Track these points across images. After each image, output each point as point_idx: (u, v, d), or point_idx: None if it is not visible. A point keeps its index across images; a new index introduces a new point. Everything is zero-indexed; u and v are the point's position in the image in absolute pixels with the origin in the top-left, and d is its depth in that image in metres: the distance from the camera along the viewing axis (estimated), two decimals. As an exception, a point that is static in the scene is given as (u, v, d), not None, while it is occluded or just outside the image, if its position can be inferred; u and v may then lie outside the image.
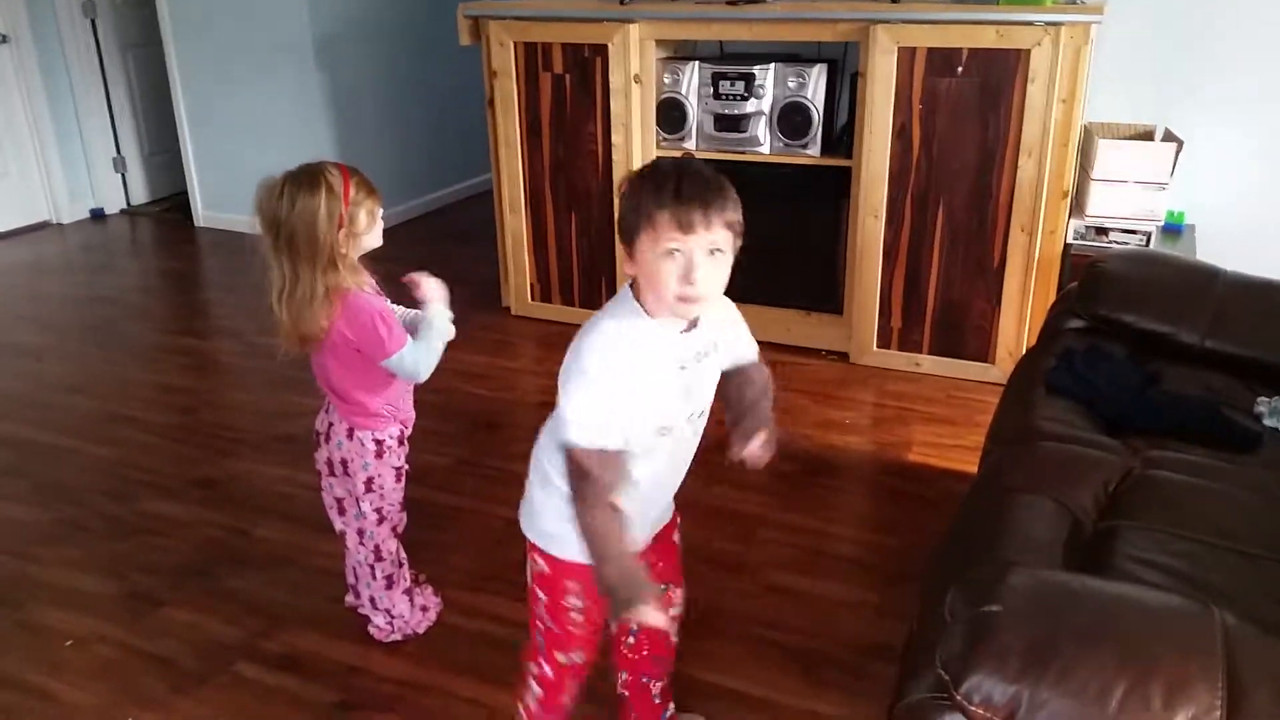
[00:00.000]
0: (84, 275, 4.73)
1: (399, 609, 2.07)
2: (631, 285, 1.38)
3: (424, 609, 2.12)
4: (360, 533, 2.01)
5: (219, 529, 2.54)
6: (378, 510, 1.98)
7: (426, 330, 1.89)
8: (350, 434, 1.92)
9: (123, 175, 5.61)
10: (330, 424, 1.94)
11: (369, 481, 1.95)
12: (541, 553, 1.52)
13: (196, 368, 3.61)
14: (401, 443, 1.98)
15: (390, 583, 2.06)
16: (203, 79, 5.01)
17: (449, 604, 2.19)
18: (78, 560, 2.42)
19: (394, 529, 2.04)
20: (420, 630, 2.11)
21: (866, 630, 2.13)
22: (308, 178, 1.75)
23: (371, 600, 2.07)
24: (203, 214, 5.29)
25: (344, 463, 1.94)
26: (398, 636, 2.09)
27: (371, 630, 2.09)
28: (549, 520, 1.49)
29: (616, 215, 1.34)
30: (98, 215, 5.51)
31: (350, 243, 1.79)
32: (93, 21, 5.28)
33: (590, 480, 1.34)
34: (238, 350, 3.70)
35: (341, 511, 2.01)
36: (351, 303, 1.80)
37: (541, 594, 1.55)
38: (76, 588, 2.31)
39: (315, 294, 1.76)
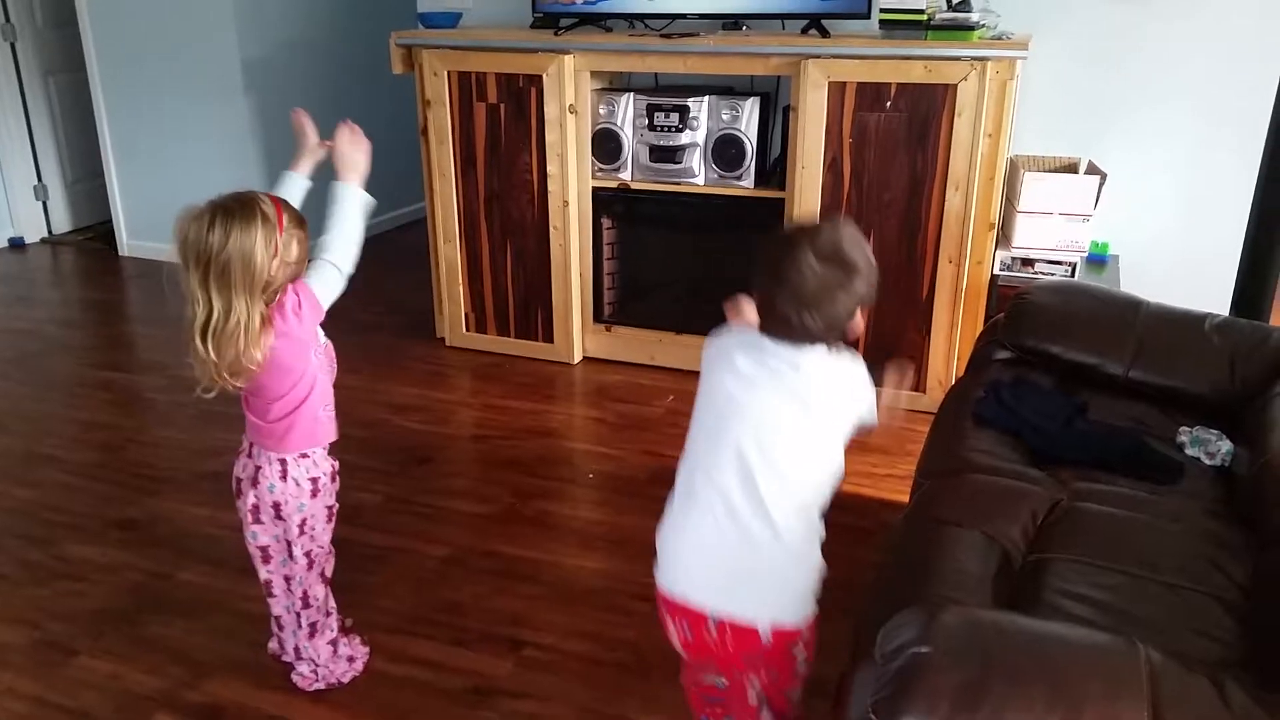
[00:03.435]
0: (1, 307, 4.57)
1: (323, 657, 2.02)
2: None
3: (350, 659, 2.06)
4: (287, 579, 1.96)
5: (140, 573, 2.46)
6: (308, 554, 1.93)
7: (340, 211, 1.85)
8: (284, 474, 1.86)
9: (44, 203, 5.45)
10: (258, 467, 1.88)
11: (302, 524, 1.90)
12: (805, 626, 1.56)
13: (119, 403, 3.50)
14: (334, 479, 1.93)
15: (314, 630, 2.00)
16: (128, 105, 4.90)
17: (376, 648, 2.14)
18: (-12, 609, 2.32)
19: (322, 573, 1.99)
20: (345, 680, 2.05)
21: (803, 665, 2.12)
22: (240, 208, 1.70)
23: (296, 649, 2.02)
24: (127, 243, 5.17)
25: (276, 506, 1.88)
26: (321, 685, 2.03)
27: (295, 679, 2.03)
28: (809, 581, 1.54)
29: (867, 294, 1.48)
30: (17, 244, 5.34)
31: (282, 271, 1.74)
32: (13, 46, 5.14)
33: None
34: (163, 385, 3.60)
35: (267, 559, 1.95)
36: (289, 298, 1.76)
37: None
38: (-14, 638, 2.22)
39: (251, 325, 1.69)
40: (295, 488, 1.87)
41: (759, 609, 1.50)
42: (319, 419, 1.87)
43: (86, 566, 2.49)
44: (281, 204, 1.77)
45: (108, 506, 2.77)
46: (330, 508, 1.94)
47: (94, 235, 5.48)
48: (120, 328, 4.47)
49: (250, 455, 1.90)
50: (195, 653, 2.16)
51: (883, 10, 3.04)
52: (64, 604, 2.34)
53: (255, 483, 1.88)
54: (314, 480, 1.88)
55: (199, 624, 2.26)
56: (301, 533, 1.90)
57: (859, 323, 1.51)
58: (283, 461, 1.86)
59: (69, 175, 5.52)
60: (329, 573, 2.01)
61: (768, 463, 1.48)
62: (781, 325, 1.46)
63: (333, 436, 1.92)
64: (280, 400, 1.82)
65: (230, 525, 2.53)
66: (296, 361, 1.80)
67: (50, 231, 5.51)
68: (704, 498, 1.51)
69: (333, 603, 2.05)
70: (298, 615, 1.99)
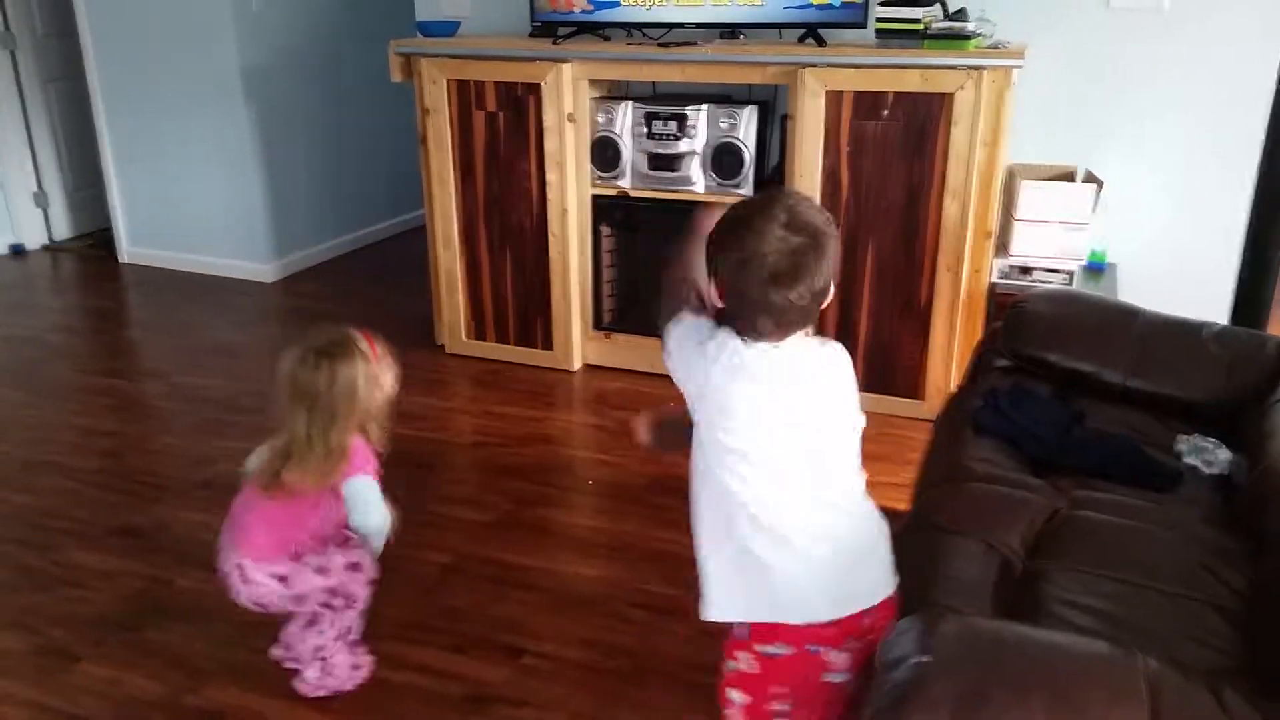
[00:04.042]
0: (2, 314, 4.58)
1: (338, 661, 2.03)
2: None
3: (355, 666, 2.07)
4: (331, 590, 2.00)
5: (141, 579, 2.47)
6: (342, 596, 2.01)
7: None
8: (244, 579, 1.94)
9: (44, 210, 5.46)
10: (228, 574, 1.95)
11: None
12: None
13: (120, 410, 3.51)
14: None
15: (352, 634, 2.05)
16: (128, 113, 4.91)
17: (376, 655, 2.14)
18: (-12, 616, 2.33)
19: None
20: (349, 688, 2.05)
21: (802, 672, 2.13)
22: (339, 348, 1.86)
23: (317, 649, 2.02)
24: (128, 250, 5.17)
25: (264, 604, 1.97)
26: (324, 692, 2.03)
27: (297, 684, 2.03)
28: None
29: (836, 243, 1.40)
30: (18, 251, 5.35)
31: (379, 398, 1.91)
32: (13, 54, 5.15)
33: None
34: (163, 392, 3.61)
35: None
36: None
37: None
38: (-14, 645, 2.22)
39: (339, 451, 1.86)
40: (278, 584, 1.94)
41: (890, 577, 1.50)
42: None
43: (86, 573, 2.49)
44: (371, 335, 1.91)
45: (108, 513, 2.77)
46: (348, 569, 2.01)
47: (94, 242, 5.49)
48: (120, 334, 4.47)
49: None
50: (196, 659, 2.17)
51: (879, 20, 3.05)
52: (64, 610, 2.34)
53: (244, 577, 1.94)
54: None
55: (199, 630, 2.26)
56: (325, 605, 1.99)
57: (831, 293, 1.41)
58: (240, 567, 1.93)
59: (69, 182, 5.53)
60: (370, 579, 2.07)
61: (830, 455, 1.47)
62: (759, 310, 1.36)
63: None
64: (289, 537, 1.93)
65: (230, 532, 2.54)
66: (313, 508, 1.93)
67: (51, 238, 5.51)
68: (799, 518, 1.44)
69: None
70: (334, 616, 2.02)
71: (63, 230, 5.56)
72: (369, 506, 1.89)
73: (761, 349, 1.41)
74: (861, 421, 1.52)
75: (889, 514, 2.74)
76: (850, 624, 1.43)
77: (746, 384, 1.41)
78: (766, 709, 1.49)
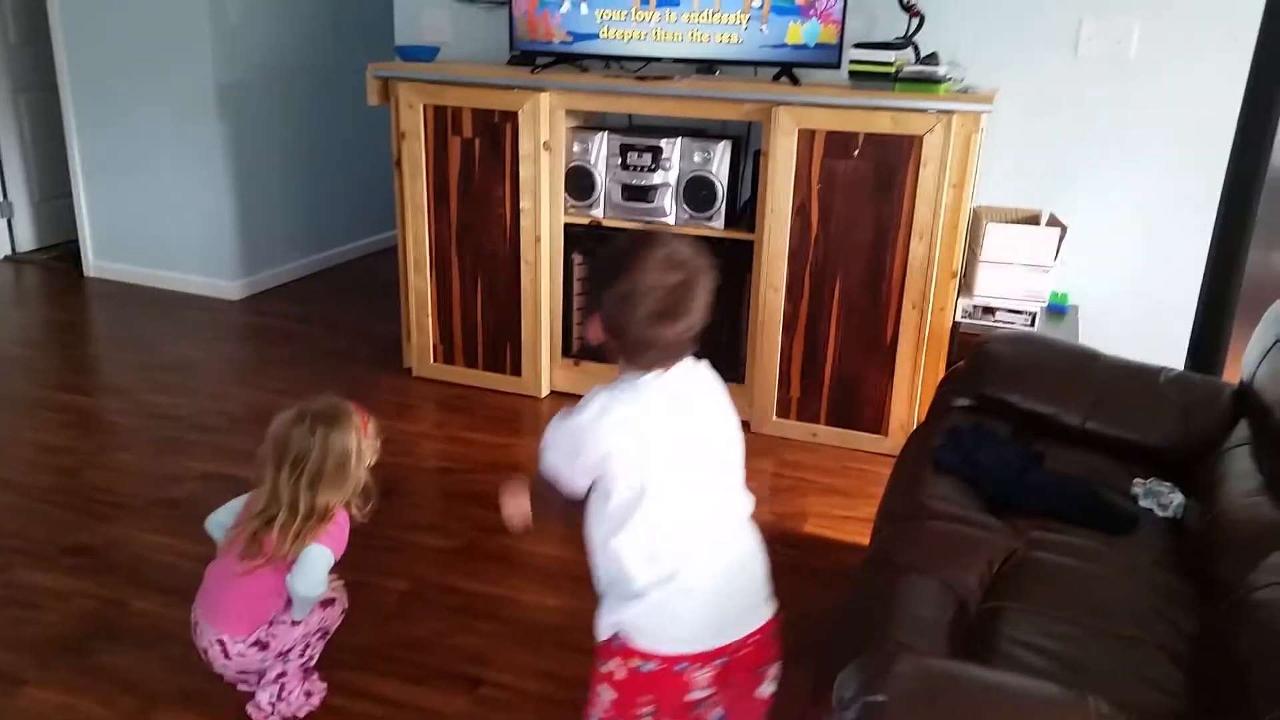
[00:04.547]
0: (-39, 324, 4.52)
1: (294, 690, 2.01)
2: None
3: (308, 694, 2.05)
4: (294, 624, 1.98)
5: (94, 600, 2.43)
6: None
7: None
8: (226, 654, 1.92)
9: (8, 220, 5.39)
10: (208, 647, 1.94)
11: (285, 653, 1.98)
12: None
13: (78, 426, 3.46)
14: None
15: (311, 661, 2.04)
16: (99, 125, 4.87)
17: (333, 684, 2.12)
18: (-66, 636, 2.28)
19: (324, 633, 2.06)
20: (301, 715, 2.03)
21: (761, 707, 2.13)
22: (334, 418, 1.89)
23: (280, 675, 1.99)
24: (93, 263, 5.11)
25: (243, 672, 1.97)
26: (277, 719, 2.01)
27: (250, 709, 2.00)
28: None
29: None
30: (-21, 261, 5.29)
31: (362, 472, 1.95)
32: (-17, 62, 5.11)
33: None
34: (123, 408, 3.57)
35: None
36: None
37: None
38: (-70, 667, 2.18)
39: (322, 514, 1.88)
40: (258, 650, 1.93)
41: (767, 602, 1.56)
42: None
43: (37, 593, 2.45)
44: (363, 411, 1.94)
45: (61, 532, 2.73)
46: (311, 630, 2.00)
47: (59, 255, 5.42)
48: (82, 349, 4.41)
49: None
50: (148, 683, 2.13)
51: (852, 62, 3.10)
52: (13, 632, 2.30)
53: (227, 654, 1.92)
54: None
55: (152, 654, 2.22)
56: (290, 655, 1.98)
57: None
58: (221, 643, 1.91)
59: (36, 193, 5.46)
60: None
61: (724, 475, 1.53)
62: (643, 345, 1.39)
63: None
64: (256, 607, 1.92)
65: (187, 554, 2.51)
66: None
67: (14, 249, 5.44)
68: (692, 549, 1.47)
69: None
70: (305, 647, 2.01)
71: (27, 241, 5.50)
72: (313, 579, 1.89)
73: (647, 380, 1.44)
74: (741, 439, 1.56)
75: (848, 548, 2.77)
76: (726, 648, 1.50)
77: (639, 417, 1.42)
78: (633, 713, 1.53)
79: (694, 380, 1.50)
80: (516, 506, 1.68)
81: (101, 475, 3.09)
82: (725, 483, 1.54)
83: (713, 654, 1.48)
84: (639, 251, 1.37)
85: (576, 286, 3.64)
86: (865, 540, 2.27)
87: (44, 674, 2.16)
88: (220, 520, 1.98)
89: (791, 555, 2.77)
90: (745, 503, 1.57)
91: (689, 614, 1.47)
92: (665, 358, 1.42)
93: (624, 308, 1.36)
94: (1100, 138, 3.31)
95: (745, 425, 3.46)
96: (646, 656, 1.47)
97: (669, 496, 1.44)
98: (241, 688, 2.03)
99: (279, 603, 1.92)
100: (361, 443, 1.91)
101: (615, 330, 1.40)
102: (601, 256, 1.43)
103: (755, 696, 1.59)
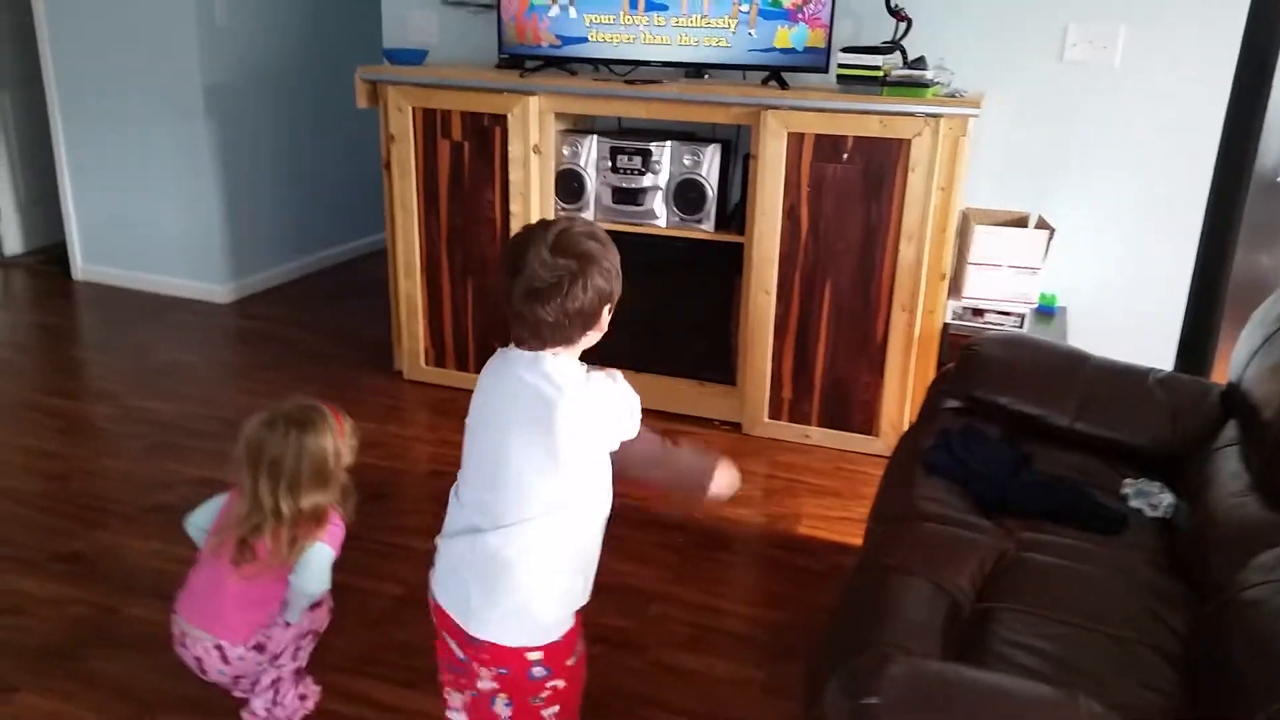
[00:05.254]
0: (-53, 329, 4.50)
1: (288, 694, 2.00)
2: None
3: (302, 697, 2.04)
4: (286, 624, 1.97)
5: (86, 606, 2.42)
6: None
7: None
8: (224, 658, 1.91)
9: (-5, 224, 5.38)
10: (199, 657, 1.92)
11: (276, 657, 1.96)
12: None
13: (67, 431, 3.44)
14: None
15: (302, 663, 2.03)
16: (86, 126, 4.85)
17: (327, 687, 2.11)
18: (-76, 644, 2.27)
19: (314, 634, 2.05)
20: (297, 719, 2.03)
21: (752, 709, 2.14)
22: (308, 420, 1.86)
23: (275, 681, 1.99)
24: (81, 267, 5.09)
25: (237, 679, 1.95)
26: (269, 724, 2.01)
27: (245, 715, 2.00)
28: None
29: (606, 285, 1.47)
30: (-34, 265, 5.26)
31: (340, 473, 1.92)
32: (-32, 64, 5.08)
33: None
34: (112, 413, 3.55)
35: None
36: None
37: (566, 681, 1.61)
38: (-80, 675, 2.17)
39: (312, 514, 1.86)
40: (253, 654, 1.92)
41: (512, 632, 1.59)
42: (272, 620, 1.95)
43: (28, 600, 2.44)
44: (337, 410, 1.92)
45: (52, 538, 2.72)
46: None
47: (47, 258, 5.40)
48: (70, 353, 4.39)
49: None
50: (141, 690, 2.13)
51: (841, 66, 3.12)
52: (3, 639, 2.29)
53: (225, 659, 1.91)
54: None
55: (145, 660, 2.22)
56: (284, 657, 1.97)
57: (604, 321, 1.52)
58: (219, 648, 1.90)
59: (22, 196, 5.44)
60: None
61: (512, 474, 1.53)
62: (518, 321, 1.47)
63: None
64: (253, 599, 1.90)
65: (179, 559, 2.49)
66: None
67: (1, 253, 5.42)
68: (465, 513, 1.59)
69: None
70: (297, 650, 2.00)
71: (14, 244, 5.47)
72: (319, 576, 1.89)
73: (509, 352, 1.54)
74: (569, 474, 1.52)
75: (841, 549, 2.78)
76: (453, 627, 1.59)
77: (483, 377, 1.59)
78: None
79: (538, 377, 1.50)
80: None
81: (91, 481, 3.08)
82: (499, 476, 1.54)
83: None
84: (531, 236, 1.46)
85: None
86: (858, 541, 2.28)
87: (36, 681, 2.15)
88: (198, 523, 1.95)
89: (784, 556, 2.79)
90: (525, 519, 1.53)
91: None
92: (536, 336, 1.48)
93: (509, 284, 1.46)
94: (1088, 141, 3.33)
95: (737, 427, 3.48)
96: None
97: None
98: (235, 693, 2.02)
99: (278, 606, 1.91)
100: (338, 442, 1.88)
101: (505, 302, 1.48)
102: (511, 239, 1.53)
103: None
